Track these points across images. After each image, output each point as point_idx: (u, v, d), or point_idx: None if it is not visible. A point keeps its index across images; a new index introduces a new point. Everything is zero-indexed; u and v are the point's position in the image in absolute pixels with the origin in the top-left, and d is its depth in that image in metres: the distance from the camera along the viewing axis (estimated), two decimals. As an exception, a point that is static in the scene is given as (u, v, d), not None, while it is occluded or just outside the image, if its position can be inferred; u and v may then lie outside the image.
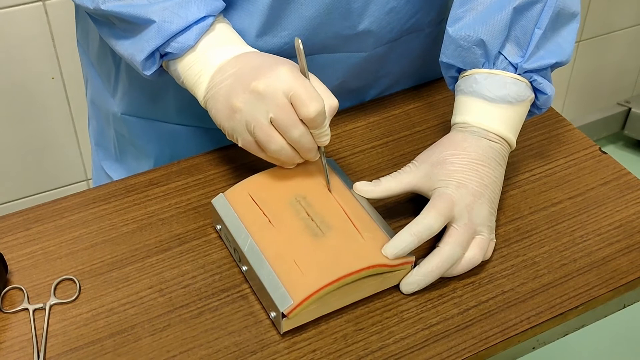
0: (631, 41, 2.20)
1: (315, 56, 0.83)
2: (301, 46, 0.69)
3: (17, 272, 0.73)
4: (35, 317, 0.69)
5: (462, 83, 0.78)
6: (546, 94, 0.77)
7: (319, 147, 0.73)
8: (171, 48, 0.73)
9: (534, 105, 0.79)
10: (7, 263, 0.72)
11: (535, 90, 0.78)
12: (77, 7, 0.92)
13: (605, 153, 0.86)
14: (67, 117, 1.56)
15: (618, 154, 2.29)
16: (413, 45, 0.90)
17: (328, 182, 0.75)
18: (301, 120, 0.69)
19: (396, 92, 0.95)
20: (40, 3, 1.41)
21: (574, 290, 0.72)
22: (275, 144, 0.70)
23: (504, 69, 0.76)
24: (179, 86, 0.81)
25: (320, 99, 0.68)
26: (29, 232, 0.76)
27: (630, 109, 2.32)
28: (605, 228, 0.78)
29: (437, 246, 0.71)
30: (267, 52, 0.77)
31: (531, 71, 0.76)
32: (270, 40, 0.80)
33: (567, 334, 0.74)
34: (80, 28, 0.94)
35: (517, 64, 0.76)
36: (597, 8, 2.03)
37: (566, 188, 0.82)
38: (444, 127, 0.87)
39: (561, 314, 0.70)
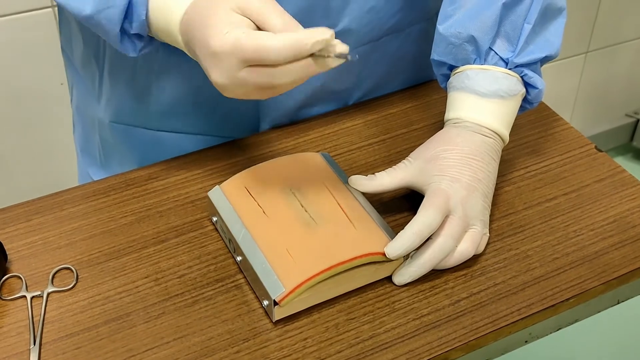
0: (639, 52, 2.20)
1: None
2: None
3: (17, 261, 0.74)
4: (32, 304, 0.70)
5: (454, 80, 0.79)
6: (537, 88, 0.78)
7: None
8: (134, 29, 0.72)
9: (525, 99, 0.80)
10: (7, 252, 0.74)
11: (526, 84, 0.78)
12: (60, 13, 0.93)
13: (601, 151, 0.87)
14: (75, 122, 1.58)
15: (626, 166, 2.29)
16: (394, 46, 0.90)
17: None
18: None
19: (393, 92, 0.95)
20: (49, 9, 1.43)
21: (565, 282, 0.72)
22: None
23: (495, 64, 0.77)
24: (160, 90, 0.81)
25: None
26: (30, 223, 0.78)
27: (638, 120, 2.31)
28: (599, 223, 0.78)
29: (431, 238, 0.71)
30: None
31: (522, 66, 0.77)
32: None
33: (559, 328, 0.74)
34: (64, 34, 0.94)
35: (507, 59, 0.77)
36: (605, 19, 2.04)
37: (561, 185, 0.83)
38: (441, 125, 0.87)
39: (552, 306, 0.70)
